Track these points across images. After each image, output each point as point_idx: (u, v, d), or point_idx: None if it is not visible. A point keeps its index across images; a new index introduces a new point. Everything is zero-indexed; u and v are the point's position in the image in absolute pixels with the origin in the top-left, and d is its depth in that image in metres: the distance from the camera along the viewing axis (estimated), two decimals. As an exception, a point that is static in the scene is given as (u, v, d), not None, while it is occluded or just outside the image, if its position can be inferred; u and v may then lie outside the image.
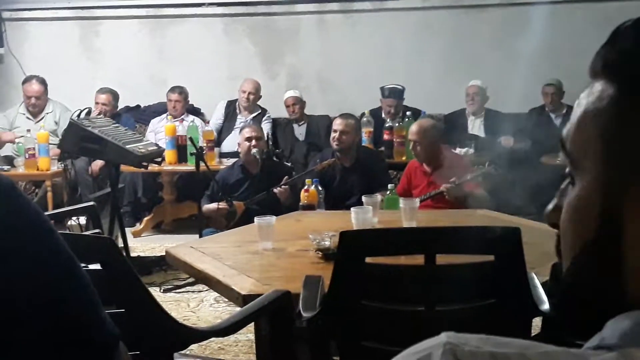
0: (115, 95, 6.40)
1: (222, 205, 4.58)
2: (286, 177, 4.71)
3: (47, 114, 6.24)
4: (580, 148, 0.58)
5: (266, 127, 6.23)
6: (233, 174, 4.94)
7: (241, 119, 6.33)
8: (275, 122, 6.54)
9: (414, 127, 4.22)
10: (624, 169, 0.54)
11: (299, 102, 6.42)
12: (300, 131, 6.46)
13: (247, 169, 4.89)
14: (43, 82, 6.25)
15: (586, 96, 0.59)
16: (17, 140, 5.90)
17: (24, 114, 6.28)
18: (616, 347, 0.49)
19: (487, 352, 0.48)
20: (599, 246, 0.56)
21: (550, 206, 0.64)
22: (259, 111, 6.42)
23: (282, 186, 4.60)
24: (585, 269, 0.58)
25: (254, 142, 4.82)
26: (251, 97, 6.35)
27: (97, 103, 6.26)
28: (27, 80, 6.25)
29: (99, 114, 5.88)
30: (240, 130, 5.15)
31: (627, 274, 0.54)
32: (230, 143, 6.00)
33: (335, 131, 4.70)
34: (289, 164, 5.53)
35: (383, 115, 6.14)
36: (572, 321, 0.61)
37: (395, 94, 6.16)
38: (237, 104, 6.47)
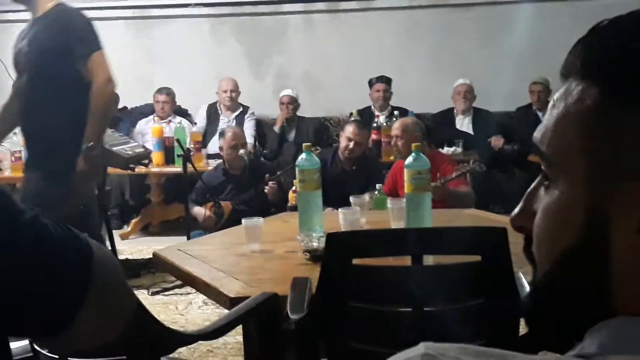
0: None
1: (210, 213, 4.60)
2: (267, 174, 4.69)
3: None
4: (561, 151, 0.56)
5: (250, 124, 6.22)
6: (216, 177, 4.94)
7: (224, 119, 6.30)
8: (261, 122, 6.52)
9: (396, 124, 4.47)
10: (610, 171, 0.53)
11: (294, 102, 6.39)
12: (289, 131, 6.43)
13: (228, 171, 4.89)
14: None
15: (562, 97, 0.57)
16: None
17: None
18: (596, 355, 0.49)
19: None
20: (584, 251, 0.55)
21: (517, 210, 0.62)
22: (241, 109, 6.38)
23: (270, 184, 4.60)
24: (567, 273, 0.56)
25: (241, 150, 4.83)
26: (233, 94, 6.31)
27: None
28: None
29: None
30: (221, 135, 5.10)
31: (613, 278, 0.54)
32: (215, 145, 5.99)
33: (349, 140, 4.56)
34: (269, 162, 5.55)
35: (373, 106, 6.23)
36: (549, 328, 0.60)
37: (383, 78, 6.23)
38: (217, 105, 6.43)
